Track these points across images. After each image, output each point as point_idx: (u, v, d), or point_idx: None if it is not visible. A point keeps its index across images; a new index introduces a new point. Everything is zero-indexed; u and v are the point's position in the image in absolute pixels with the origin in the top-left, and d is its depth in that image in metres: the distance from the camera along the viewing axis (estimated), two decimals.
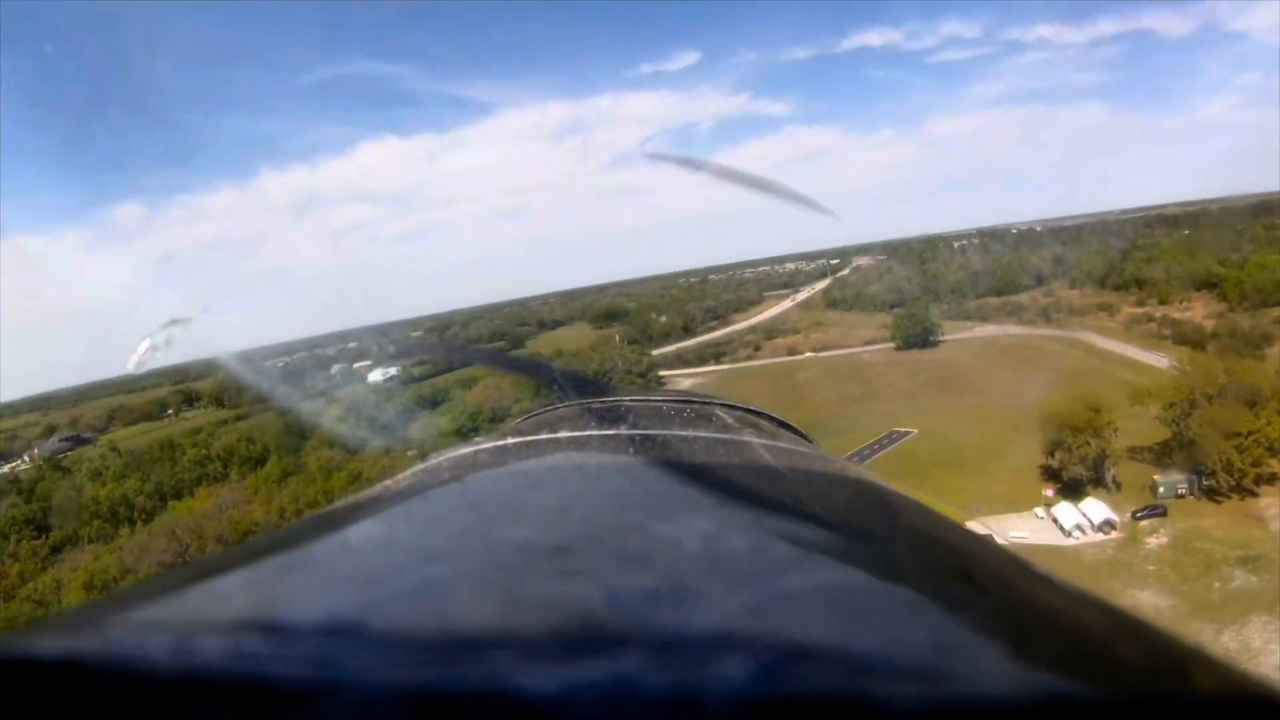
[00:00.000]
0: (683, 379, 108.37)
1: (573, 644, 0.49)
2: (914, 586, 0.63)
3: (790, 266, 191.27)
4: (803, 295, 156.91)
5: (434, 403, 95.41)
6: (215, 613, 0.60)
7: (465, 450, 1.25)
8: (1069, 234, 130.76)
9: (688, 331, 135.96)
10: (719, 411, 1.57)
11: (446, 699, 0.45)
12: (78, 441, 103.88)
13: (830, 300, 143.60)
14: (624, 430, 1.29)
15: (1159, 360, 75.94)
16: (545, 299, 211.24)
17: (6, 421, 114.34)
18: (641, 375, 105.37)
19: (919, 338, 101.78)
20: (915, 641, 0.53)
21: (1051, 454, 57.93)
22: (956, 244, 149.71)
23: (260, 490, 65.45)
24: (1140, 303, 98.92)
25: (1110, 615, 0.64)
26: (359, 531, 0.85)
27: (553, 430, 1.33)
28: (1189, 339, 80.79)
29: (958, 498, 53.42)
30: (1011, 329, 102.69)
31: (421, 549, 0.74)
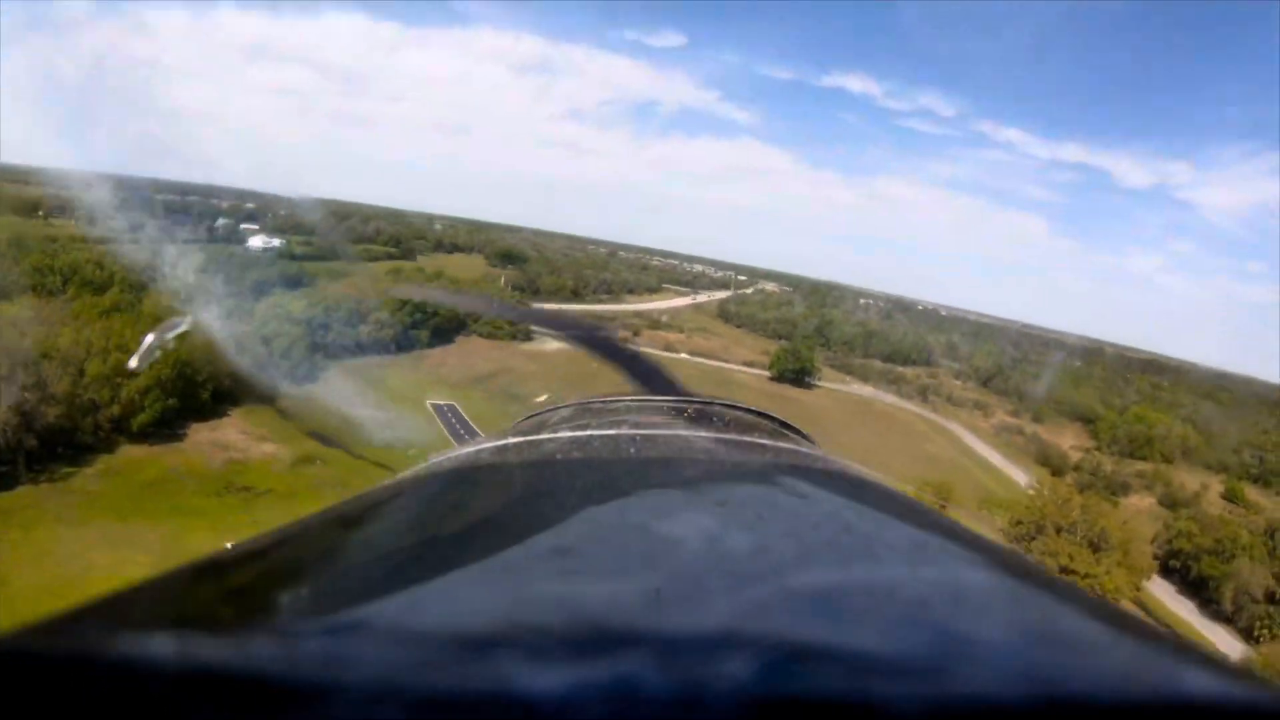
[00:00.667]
0: (549, 340, 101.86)
1: (576, 644, 0.50)
2: (917, 585, 0.63)
3: (698, 268, 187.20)
4: (700, 298, 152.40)
5: (296, 284, 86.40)
6: (217, 611, 0.60)
7: (466, 449, 1.26)
8: (969, 326, 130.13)
9: (575, 295, 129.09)
10: (721, 411, 1.59)
11: (450, 699, 0.44)
12: None
13: (724, 312, 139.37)
14: (625, 430, 1.28)
15: (1016, 473, 74.29)
16: (453, 222, 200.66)
17: None
18: (509, 324, 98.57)
19: (795, 374, 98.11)
20: (919, 641, 0.53)
21: None
22: (862, 300, 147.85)
23: (81, 316, 56.81)
24: (1015, 413, 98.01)
25: (1115, 615, 0.64)
26: (360, 530, 0.86)
27: (553, 430, 1.32)
28: (1051, 463, 79.50)
29: None
30: (887, 397, 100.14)
31: (423, 548, 0.74)
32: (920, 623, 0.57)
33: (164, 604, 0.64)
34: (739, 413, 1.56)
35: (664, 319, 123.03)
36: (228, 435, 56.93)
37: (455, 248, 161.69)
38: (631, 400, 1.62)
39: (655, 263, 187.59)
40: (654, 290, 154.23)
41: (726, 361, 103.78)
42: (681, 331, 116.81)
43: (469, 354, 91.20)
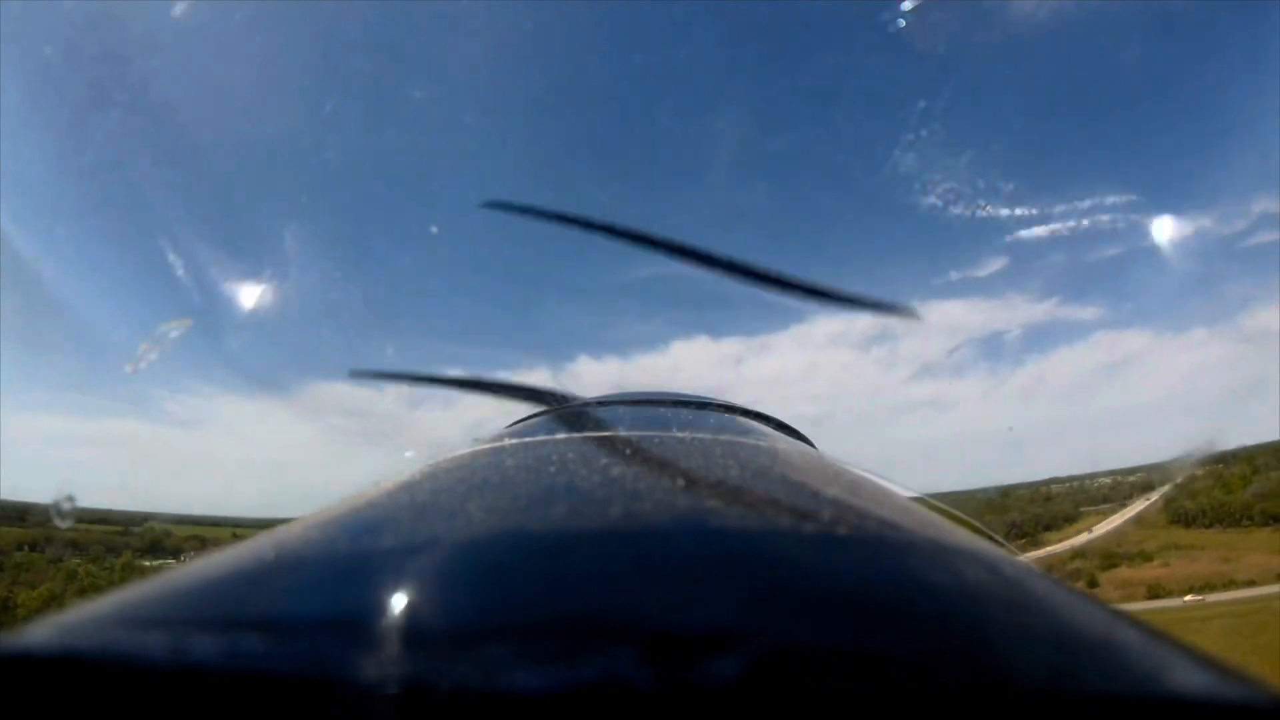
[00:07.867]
0: None
1: (573, 641, 0.50)
2: (913, 584, 0.64)
3: (1105, 480, 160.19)
4: (1137, 508, 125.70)
5: None
6: (217, 610, 0.61)
7: (464, 451, 1.26)
8: None
9: None
10: (717, 412, 1.64)
11: (448, 695, 0.45)
12: None
13: (1176, 514, 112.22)
14: (621, 431, 1.31)
15: None
16: None
17: None
18: None
19: None
20: (912, 638, 0.53)
21: None
22: None
23: None
24: None
25: (1114, 614, 0.65)
26: (360, 529, 0.88)
27: (550, 432, 1.35)
28: None
29: None
30: None
31: (421, 547, 0.76)
32: (912, 619, 0.57)
33: (165, 601, 0.65)
34: (737, 414, 1.60)
35: (1113, 547, 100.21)
36: None
37: None
38: (628, 402, 1.63)
39: (1054, 490, 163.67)
40: (1072, 519, 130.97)
41: (1252, 587, 76.84)
42: (1150, 559, 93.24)
43: None
